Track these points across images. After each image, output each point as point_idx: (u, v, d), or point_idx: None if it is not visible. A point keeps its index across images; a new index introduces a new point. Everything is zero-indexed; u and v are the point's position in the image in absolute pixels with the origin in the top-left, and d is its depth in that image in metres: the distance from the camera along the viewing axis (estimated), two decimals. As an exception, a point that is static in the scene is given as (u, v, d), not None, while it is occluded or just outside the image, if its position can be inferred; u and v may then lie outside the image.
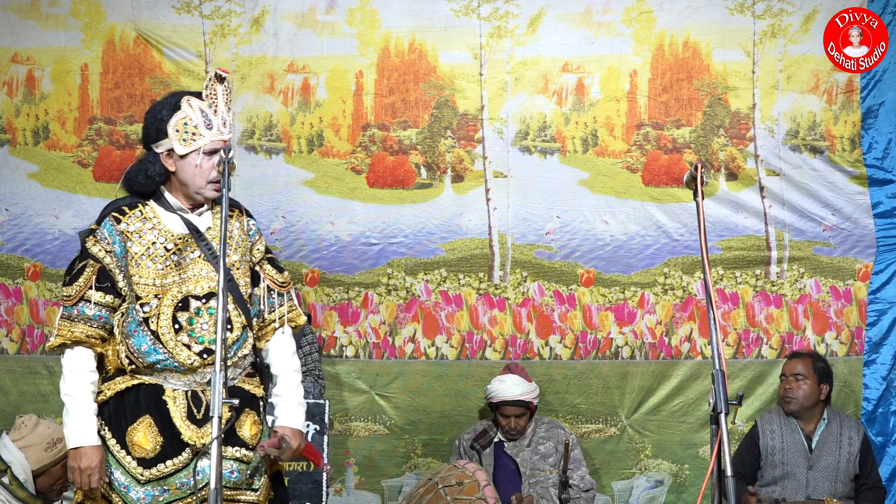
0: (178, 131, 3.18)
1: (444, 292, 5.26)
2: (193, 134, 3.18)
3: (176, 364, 3.15)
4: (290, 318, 3.39)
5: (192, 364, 3.15)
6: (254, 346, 3.30)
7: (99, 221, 3.24)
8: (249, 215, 3.40)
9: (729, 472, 2.76)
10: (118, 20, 5.22)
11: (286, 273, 3.42)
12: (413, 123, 5.25)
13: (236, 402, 2.87)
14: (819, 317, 5.24)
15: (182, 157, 3.19)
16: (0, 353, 5.26)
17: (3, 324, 5.27)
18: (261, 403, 3.32)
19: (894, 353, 5.17)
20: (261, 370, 3.34)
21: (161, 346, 3.14)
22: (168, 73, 5.22)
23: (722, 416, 2.80)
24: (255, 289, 3.33)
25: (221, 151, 3.12)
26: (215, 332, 3.08)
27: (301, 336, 4.75)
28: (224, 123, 3.21)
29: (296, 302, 3.43)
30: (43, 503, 4.04)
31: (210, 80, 3.21)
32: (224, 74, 3.22)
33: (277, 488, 3.35)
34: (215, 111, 3.19)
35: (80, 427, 3.14)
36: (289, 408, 3.29)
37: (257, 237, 3.38)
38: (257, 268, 3.34)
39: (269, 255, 3.40)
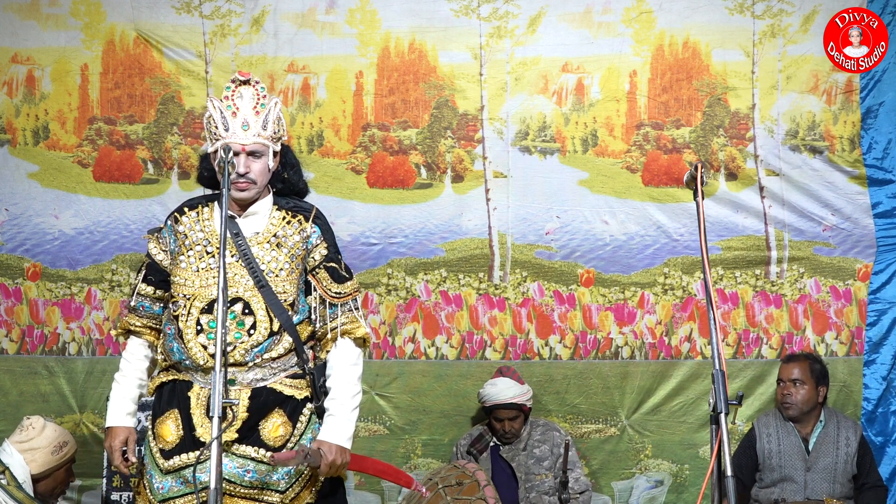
0: (207, 130, 3.26)
1: (444, 292, 5.26)
2: (214, 134, 3.23)
3: (194, 364, 3.19)
4: (347, 331, 3.31)
5: (205, 364, 3.18)
6: (297, 350, 3.25)
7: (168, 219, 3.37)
8: (318, 220, 3.36)
9: (729, 472, 2.76)
10: (118, 20, 5.23)
11: (349, 283, 3.35)
12: (413, 123, 5.25)
13: (236, 402, 2.89)
14: (819, 317, 5.24)
15: (213, 155, 3.25)
16: (0, 353, 5.26)
17: (3, 324, 5.27)
18: (305, 406, 3.27)
19: (894, 353, 5.17)
20: (314, 374, 3.28)
21: (183, 345, 3.19)
22: (168, 73, 5.22)
23: (722, 416, 2.80)
24: (309, 297, 3.32)
25: (221, 151, 3.12)
26: (234, 335, 3.17)
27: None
28: (244, 126, 3.20)
29: (357, 313, 3.35)
30: (41, 504, 4.05)
31: (233, 81, 3.26)
32: (242, 78, 3.25)
33: (328, 498, 3.31)
34: (234, 113, 3.20)
35: (114, 408, 3.33)
36: (332, 422, 3.23)
37: (317, 243, 3.33)
38: (310, 277, 3.32)
39: (330, 265, 3.33)
